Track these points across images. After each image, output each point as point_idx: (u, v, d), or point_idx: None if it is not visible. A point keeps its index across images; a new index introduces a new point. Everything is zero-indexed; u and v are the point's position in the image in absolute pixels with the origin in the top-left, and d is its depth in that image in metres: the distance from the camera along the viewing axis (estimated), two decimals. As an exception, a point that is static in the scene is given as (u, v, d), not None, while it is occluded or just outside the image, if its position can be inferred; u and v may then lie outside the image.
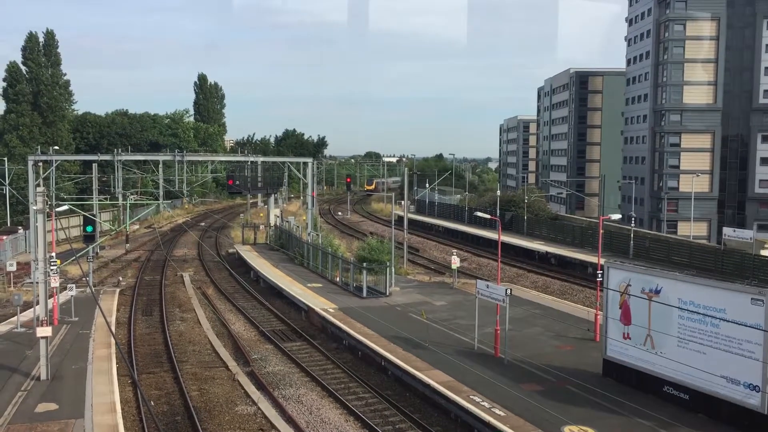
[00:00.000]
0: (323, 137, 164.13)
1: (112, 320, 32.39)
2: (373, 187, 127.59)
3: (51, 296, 28.24)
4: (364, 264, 38.26)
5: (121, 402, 21.10)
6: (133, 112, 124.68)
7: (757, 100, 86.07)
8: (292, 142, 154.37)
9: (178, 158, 59.27)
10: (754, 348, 17.80)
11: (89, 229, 37.94)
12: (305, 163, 58.27)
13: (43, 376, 22.84)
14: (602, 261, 25.13)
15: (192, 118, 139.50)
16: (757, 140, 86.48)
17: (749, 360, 17.88)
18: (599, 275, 24.99)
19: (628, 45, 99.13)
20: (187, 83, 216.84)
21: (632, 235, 49.66)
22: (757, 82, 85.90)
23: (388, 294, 36.76)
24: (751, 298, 17.85)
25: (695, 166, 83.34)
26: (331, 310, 33.14)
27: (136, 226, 77.42)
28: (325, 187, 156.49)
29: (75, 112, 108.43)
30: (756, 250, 44.77)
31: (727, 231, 50.63)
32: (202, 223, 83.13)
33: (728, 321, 18.31)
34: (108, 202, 72.82)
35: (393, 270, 39.33)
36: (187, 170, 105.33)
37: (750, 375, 17.91)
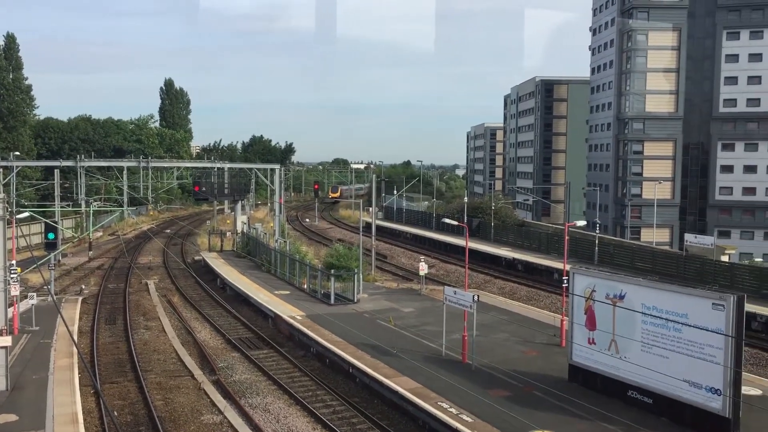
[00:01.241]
0: (291, 144, 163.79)
1: (75, 329, 31.77)
2: (337, 194, 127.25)
3: (11, 305, 27.59)
4: (332, 271, 38.16)
5: (83, 412, 20.69)
6: (96, 118, 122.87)
7: (717, 108, 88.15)
8: (259, 149, 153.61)
9: (143, 164, 58.63)
10: (715, 352, 18.14)
11: (51, 236, 37.19)
12: (272, 170, 58.05)
13: (2, 387, 22.29)
14: (568, 267, 25.43)
15: (157, 124, 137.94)
16: (718, 148, 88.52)
17: (711, 364, 18.22)
18: (565, 281, 25.26)
19: (592, 54, 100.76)
20: (153, 89, 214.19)
21: (597, 242, 50.28)
22: (717, 92, 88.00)
23: (356, 301, 36.69)
24: (713, 303, 18.21)
25: (658, 174, 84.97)
26: (298, 317, 32.97)
27: (100, 233, 76.15)
28: (292, 194, 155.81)
29: (37, 117, 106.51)
30: (716, 256, 45.70)
31: (689, 237, 51.59)
32: (168, 230, 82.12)
33: (690, 326, 18.64)
34: (70, 208, 71.55)
35: (361, 277, 39.29)
36: (153, 176, 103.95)
37: (712, 379, 18.25)
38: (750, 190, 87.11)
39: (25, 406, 20.85)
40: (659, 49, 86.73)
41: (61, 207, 66.24)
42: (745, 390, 19.99)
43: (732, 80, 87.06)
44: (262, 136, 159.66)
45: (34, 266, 41.21)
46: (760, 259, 61.51)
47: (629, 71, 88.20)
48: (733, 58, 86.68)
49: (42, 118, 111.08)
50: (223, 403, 23.54)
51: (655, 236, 72.28)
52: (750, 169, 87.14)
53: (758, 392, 21.79)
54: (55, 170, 66.98)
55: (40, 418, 19.73)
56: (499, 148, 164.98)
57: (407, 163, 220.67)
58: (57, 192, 64.01)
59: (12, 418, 19.83)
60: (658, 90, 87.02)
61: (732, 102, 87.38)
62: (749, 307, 26.90)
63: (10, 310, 27.34)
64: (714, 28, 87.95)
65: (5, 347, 22.24)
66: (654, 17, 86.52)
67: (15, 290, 27.96)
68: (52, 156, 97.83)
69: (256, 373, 27.16)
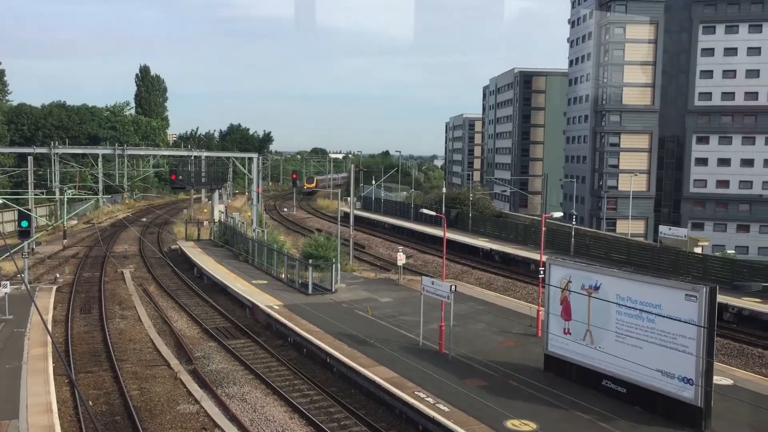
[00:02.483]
0: (269, 132, 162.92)
1: (49, 318, 31.42)
2: (313, 185, 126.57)
3: (-17, 294, 27.20)
4: (310, 260, 38.11)
5: (57, 402, 20.50)
6: (71, 104, 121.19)
7: (692, 102, 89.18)
8: (237, 137, 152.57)
9: (118, 152, 58.03)
10: (687, 342, 18.42)
11: (24, 224, 36.67)
12: (250, 159, 57.67)
13: (-26, 377, 21.99)
14: (544, 258, 25.63)
15: (133, 111, 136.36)
16: (692, 141, 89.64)
17: (683, 354, 18.50)
18: (541, 272, 25.46)
19: (571, 46, 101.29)
20: (128, 76, 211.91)
21: (573, 233, 50.71)
22: (692, 85, 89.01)
23: (333, 291, 36.70)
24: (685, 294, 18.47)
25: (634, 166, 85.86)
26: (276, 307, 32.91)
27: (74, 222, 75.24)
28: (270, 183, 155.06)
29: (10, 102, 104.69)
30: (690, 248, 46.38)
31: (663, 229, 52.30)
32: (144, 219, 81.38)
33: (664, 316, 18.90)
34: (44, 196, 70.57)
35: (339, 267, 39.30)
36: (128, 164, 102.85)
37: (684, 369, 18.53)
38: (723, 183, 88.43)
39: (-2, 395, 20.60)
40: (636, 42, 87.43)
41: (35, 194, 65.29)
42: (717, 380, 20.32)
43: (707, 74, 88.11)
44: (240, 125, 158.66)
45: (7, 254, 40.62)
46: (733, 251, 62.50)
47: (607, 64, 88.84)
48: (709, 52, 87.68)
49: (15, 104, 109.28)
50: (199, 392, 23.46)
51: (630, 228, 73.11)
52: (724, 162, 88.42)
53: (729, 382, 22.19)
54: (29, 157, 65.96)
55: (14, 407, 19.52)
56: (478, 139, 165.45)
57: (386, 153, 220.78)
58: (30, 179, 63.08)
59: (-16, 408, 19.58)
60: (635, 83, 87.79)
61: (707, 95, 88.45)
62: (721, 299, 27.36)
63: (-17, 298, 26.95)
64: (690, 22, 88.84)
65: (-23, 336, 21.93)
66: (632, 10, 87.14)
67: (-13, 279, 27.54)
68: (25, 143, 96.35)
69: (233, 362, 27.09)
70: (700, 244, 49.60)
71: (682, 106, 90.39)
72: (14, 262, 37.86)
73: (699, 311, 18.10)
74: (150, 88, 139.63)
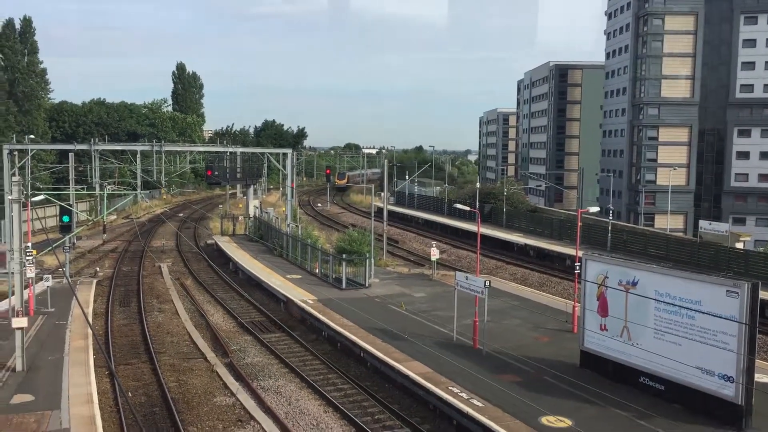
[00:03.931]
0: (303, 128, 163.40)
1: (89, 311, 32.09)
2: (345, 181, 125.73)
3: (27, 287, 27.90)
4: (344, 256, 38.25)
5: (98, 393, 20.93)
6: (110, 102, 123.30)
7: (733, 94, 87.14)
8: (271, 133, 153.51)
9: (156, 148, 58.77)
10: (728, 339, 18.06)
11: (66, 219, 37.46)
12: (284, 154, 58.04)
13: (18, 368, 22.57)
14: (580, 253, 25.34)
15: (170, 108, 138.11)
16: (734, 134, 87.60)
17: (724, 351, 18.15)
18: (577, 267, 25.19)
19: (608, 39, 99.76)
20: (165, 74, 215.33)
21: (610, 228, 50.07)
22: (733, 77, 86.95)
23: (367, 285, 36.79)
24: (726, 290, 18.10)
25: (672, 160, 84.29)
26: (310, 301, 33.11)
27: (114, 217, 76.65)
28: (304, 179, 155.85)
29: (51, 100, 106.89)
30: (731, 243, 45.36)
31: (703, 224, 51.21)
32: (181, 214, 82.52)
33: (703, 313, 18.55)
34: (85, 192, 71.98)
35: (372, 261, 39.36)
36: (165, 160, 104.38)
37: (724, 366, 18.18)
38: (766, 177, 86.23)
39: (41, 386, 21.11)
40: (676, 33, 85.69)
41: (76, 190, 66.63)
42: (758, 377, 19.90)
43: (749, 65, 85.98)
44: (274, 121, 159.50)
45: (49, 249, 41.56)
46: (775, 247, 60.91)
47: (645, 56, 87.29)
48: (751, 43, 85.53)
49: (57, 101, 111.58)
50: (235, 385, 23.75)
51: (669, 223, 71.87)
52: (766, 155, 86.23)
53: (771, 380, 21.69)
54: (70, 154, 67.27)
55: (56, 399, 19.98)
56: (512, 133, 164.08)
57: (419, 149, 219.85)
58: (71, 175, 64.33)
59: (28, 398, 20.09)
60: (674, 75, 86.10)
61: (749, 87, 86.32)
62: (764, 295, 26.73)
63: (26, 291, 27.65)
64: (731, 13, 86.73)
65: (21, 328, 22.50)
66: (671, 1, 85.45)
67: (30, 272, 28.23)
68: (66, 139, 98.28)
69: (268, 356, 27.34)
70: (741, 239, 48.46)
71: (722, 99, 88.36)
72: (56, 256, 38.70)
73: (740, 307, 17.74)
74: (186, 86, 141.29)
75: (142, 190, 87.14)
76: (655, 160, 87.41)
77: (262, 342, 29.05)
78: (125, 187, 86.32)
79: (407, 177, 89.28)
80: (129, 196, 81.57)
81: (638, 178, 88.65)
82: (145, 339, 29.69)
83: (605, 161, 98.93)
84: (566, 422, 18.34)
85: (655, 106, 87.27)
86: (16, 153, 49.04)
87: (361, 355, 25.73)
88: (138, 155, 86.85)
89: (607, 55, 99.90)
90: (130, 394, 23.10)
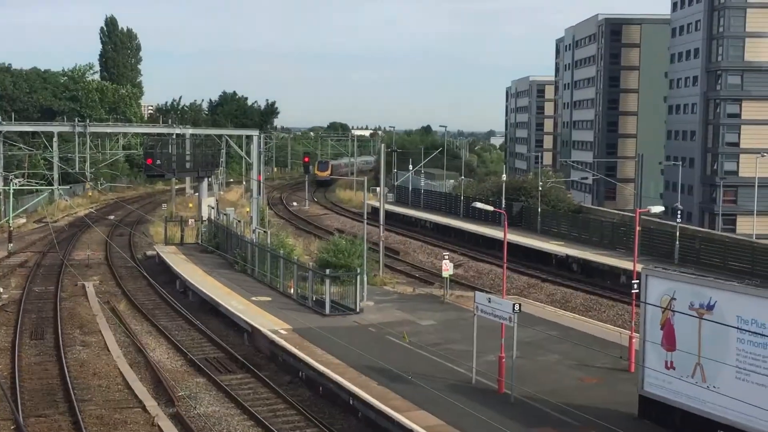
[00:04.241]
0: (273, 103, 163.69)
1: (-10, 346, 32.02)
2: (327, 173, 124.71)
3: None
4: (328, 271, 38.22)
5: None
6: (17, 68, 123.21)
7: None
8: (231, 109, 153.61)
9: (79, 129, 58.94)
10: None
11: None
12: (249, 137, 58.05)
13: None
14: (639, 267, 25.36)
15: (97, 76, 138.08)
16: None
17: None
18: (635, 286, 25.20)
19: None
20: (91, 30, 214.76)
21: (678, 234, 50.14)
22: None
23: (358, 310, 36.76)
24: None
25: (760, 144, 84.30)
26: (282, 331, 33.08)
27: (23, 220, 76.52)
28: (275, 169, 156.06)
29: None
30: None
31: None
32: (112, 216, 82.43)
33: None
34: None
35: (365, 279, 39.32)
36: (92, 145, 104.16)
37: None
38: None
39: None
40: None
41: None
42: None
43: None
44: (235, 93, 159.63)
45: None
46: None
47: (724, 6, 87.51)
48: None
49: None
50: (183, 443, 23.69)
51: (755, 227, 71.96)
52: None
53: None
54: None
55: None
56: (549, 109, 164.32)
57: (427, 129, 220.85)
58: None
59: None
60: (761, 32, 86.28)
61: None
62: None
63: None
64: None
65: None
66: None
67: None
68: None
69: (227, 404, 27.30)
70: None
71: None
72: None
73: None
74: (119, 47, 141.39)
75: (60, 184, 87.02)
76: (737, 144, 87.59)
77: (219, 385, 29.01)
78: (38, 181, 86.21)
79: (411, 167, 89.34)
80: (43, 193, 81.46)
81: (715, 167, 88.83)
82: (65, 382, 29.61)
83: (672, 146, 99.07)
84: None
85: (737, 72, 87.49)
86: None
87: (351, 402, 25.72)
88: (55, 138, 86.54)
89: (674, 6, 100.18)
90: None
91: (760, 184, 75.43)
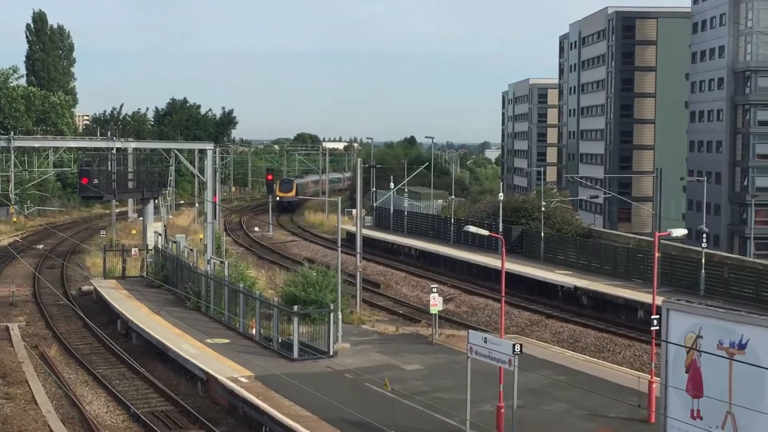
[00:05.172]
0: (230, 111, 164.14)
1: None
2: (292, 193, 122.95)
3: None
4: (296, 308, 38.13)
5: None
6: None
7: None
8: (181, 119, 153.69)
9: (1, 143, 58.58)
10: None
11: None
12: (203, 151, 58.00)
13: None
14: (659, 300, 25.46)
15: (23, 81, 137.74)
16: None
17: None
18: (654, 322, 25.29)
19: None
20: (16, 27, 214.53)
21: (704, 261, 50.32)
22: None
23: (332, 354, 36.66)
24: None
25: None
26: (243, 379, 32.94)
27: (-65, 251, 75.96)
28: (234, 189, 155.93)
29: None
30: None
31: None
32: (41, 246, 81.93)
33: None
34: None
35: (340, 316, 39.23)
36: (17, 162, 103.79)
37: None
38: None
39: None
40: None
41: None
42: None
43: None
44: (186, 100, 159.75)
45: None
46: None
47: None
48: None
49: None
50: None
51: (792, 252, 72.43)
52: None
53: None
54: None
55: None
56: (552, 117, 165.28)
57: (410, 141, 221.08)
58: None
59: None
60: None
61: None
62: None
63: None
64: None
65: None
66: None
67: None
68: None
69: (177, 466, 27.12)
70: None
71: None
72: None
73: None
74: (48, 46, 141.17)
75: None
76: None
77: (168, 444, 28.82)
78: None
79: (392, 185, 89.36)
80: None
81: (745, 183, 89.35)
82: (-15, 442, 29.36)
83: (695, 159, 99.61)
84: None
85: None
86: None
87: (324, 462, 25.60)
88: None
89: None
90: None
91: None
